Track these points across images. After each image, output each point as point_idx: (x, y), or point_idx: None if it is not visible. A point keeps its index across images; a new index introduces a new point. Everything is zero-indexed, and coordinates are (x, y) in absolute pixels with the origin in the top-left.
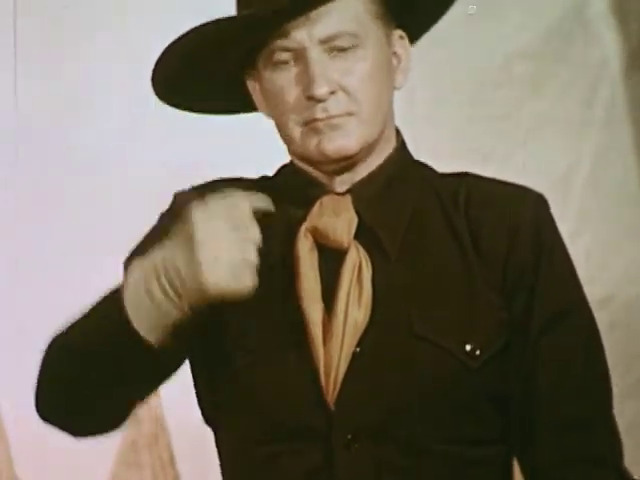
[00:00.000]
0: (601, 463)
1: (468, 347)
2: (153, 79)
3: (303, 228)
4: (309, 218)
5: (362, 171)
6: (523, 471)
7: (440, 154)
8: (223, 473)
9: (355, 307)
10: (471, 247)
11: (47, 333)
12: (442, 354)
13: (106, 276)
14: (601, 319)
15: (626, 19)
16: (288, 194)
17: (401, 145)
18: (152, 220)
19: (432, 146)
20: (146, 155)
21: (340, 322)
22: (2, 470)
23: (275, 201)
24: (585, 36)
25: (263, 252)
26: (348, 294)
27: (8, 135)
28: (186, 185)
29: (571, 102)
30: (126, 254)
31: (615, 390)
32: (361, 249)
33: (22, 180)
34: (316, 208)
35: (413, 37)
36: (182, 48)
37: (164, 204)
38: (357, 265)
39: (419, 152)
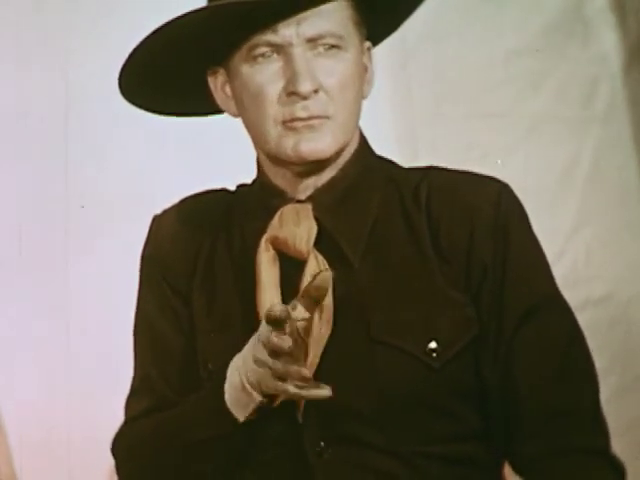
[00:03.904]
0: (588, 451)
1: (430, 347)
2: (121, 77)
3: (264, 239)
4: (269, 229)
5: (325, 175)
6: (511, 465)
7: (440, 152)
8: None
9: (316, 321)
10: (431, 247)
11: (47, 333)
12: (402, 356)
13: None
14: (601, 316)
15: (625, 16)
16: (252, 205)
17: (363, 144)
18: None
19: (432, 144)
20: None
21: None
22: (2, 470)
23: (240, 212)
24: (584, 33)
25: (223, 265)
26: None
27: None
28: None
29: (571, 99)
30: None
31: (615, 386)
32: (321, 258)
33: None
34: (276, 218)
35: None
36: (157, 39)
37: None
38: None
39: (419, 150)
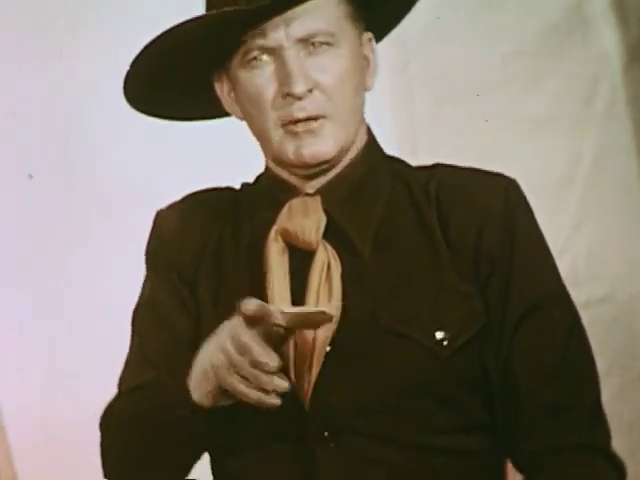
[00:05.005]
0: (587, 448)
1: (438, 336)
2: (126, 85)
3: (273, 230)
4: (278, 221)
5: (332, 173)
6: (512, 461)
7: (440, 153)
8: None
9: (325, 307)
10: (441, 239)
11: (48, 333)
12: (410, 345)
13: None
14: (603, 316)
15: (625, 15)
16: (260, 199)
17: (371, 141)
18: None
19: (432, 145)
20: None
21: None
22: (2, 470)
23: (248, 206)
24: (585, 32)
25: (231, 257)
26: (317, 294)
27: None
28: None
29: (571, 99)
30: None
31: (616, 386)
32: (330, 248)
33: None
34: (285, 210)
35: (376, 38)
36: (156, 50)
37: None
38: (325, 265)
39: (419, 150)
